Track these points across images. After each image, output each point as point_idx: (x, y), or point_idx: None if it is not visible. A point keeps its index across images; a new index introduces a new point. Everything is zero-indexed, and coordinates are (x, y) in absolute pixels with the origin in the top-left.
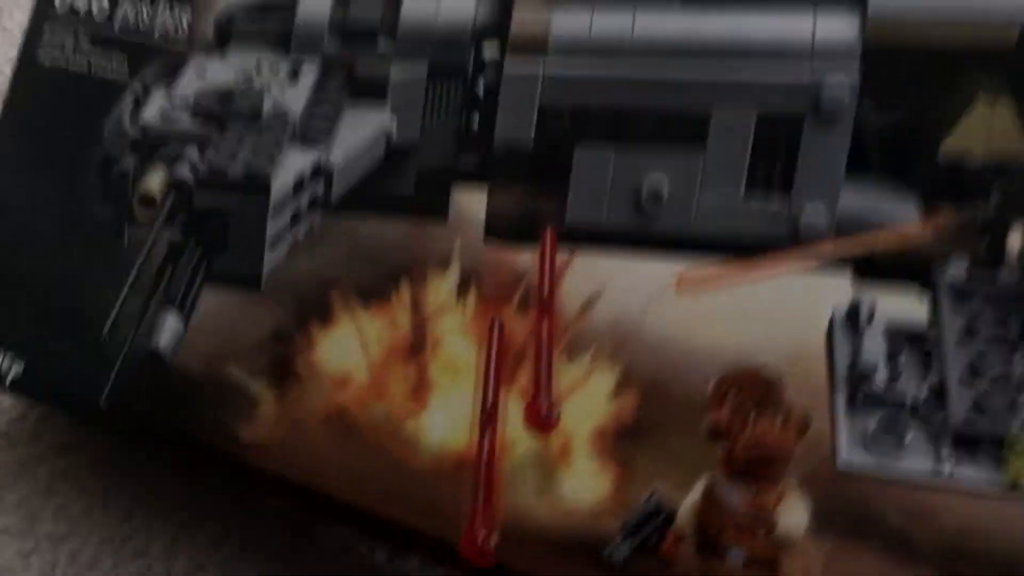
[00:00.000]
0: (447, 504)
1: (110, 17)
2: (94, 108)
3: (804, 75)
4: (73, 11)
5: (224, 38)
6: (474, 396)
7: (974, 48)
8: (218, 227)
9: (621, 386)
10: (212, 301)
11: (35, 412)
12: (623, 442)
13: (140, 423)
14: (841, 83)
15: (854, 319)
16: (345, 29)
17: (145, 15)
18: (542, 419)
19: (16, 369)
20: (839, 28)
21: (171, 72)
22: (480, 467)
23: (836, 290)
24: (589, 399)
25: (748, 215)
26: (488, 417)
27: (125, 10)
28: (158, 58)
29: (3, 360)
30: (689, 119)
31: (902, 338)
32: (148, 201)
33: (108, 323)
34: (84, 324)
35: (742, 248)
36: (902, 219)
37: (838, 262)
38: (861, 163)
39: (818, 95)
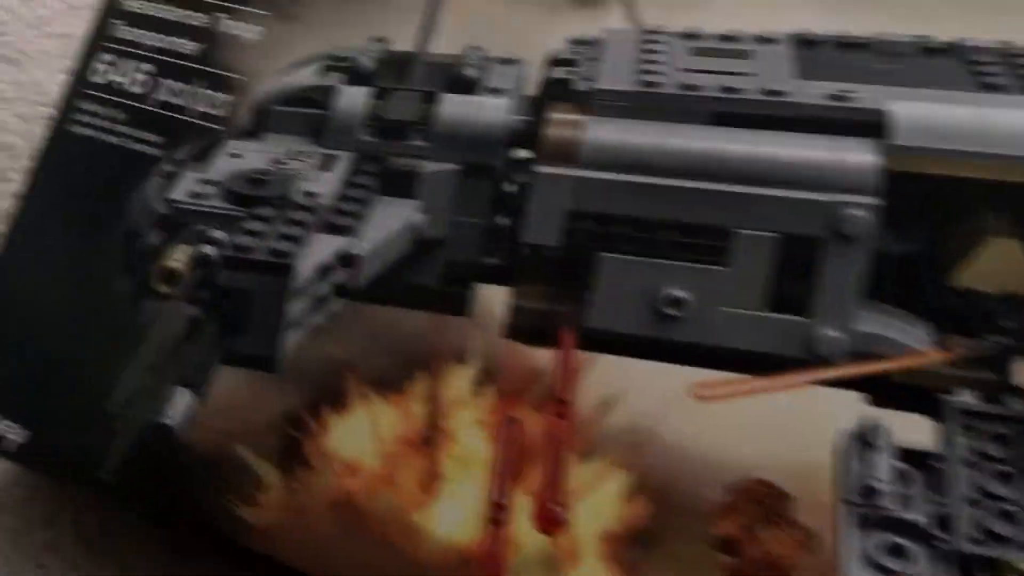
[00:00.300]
0: None
1: (148, 93)
2: (123, 179)
3: (826, 198)
4: (111, 85)
5: (260, 124)
6: (484, 491)
7: (991, 183)
8: (238, 307)
9: (633, 490)
10: (225, 379)
11: (27, 479)
12: (632, 547)
13: (141, 498)
14: (861, 208)
15: (864, 439)
16: (380, 124)
17: (183, 94)
18: (552, 519)
19: (20, 438)
20: (861, 155)
21: (204, 152)
22: (486, 564)
23: (847, 409)
24: (600, 501)
25: (766, 332)
26: (497, 513)
27: (164, 88)
28: (192, 137)
29: (7, 428)
30: (713, 233)
31: (911, 460)
32: (169, 277)
33: (118, 396)
34: (93, 395)
35: (759, 363)
36: (915, 345)
37: (851, 382)
38: (878, 288)
39: (839, 219)
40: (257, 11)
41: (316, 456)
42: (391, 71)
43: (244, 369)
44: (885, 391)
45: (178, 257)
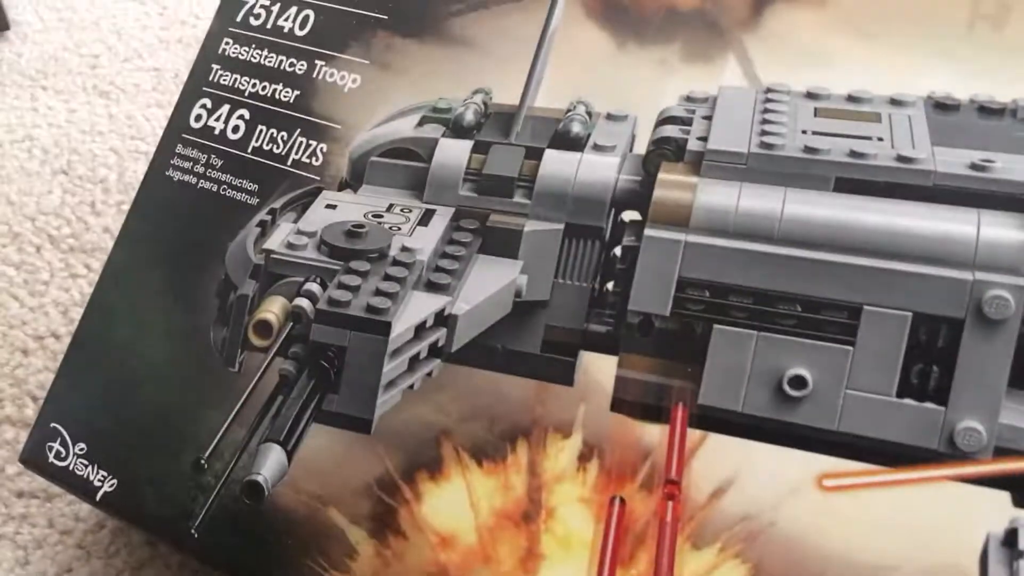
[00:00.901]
0: None
1: (245, 139)
2: (219, 227)
3: (966, 276)
4: (209, 130)
5: (357, 175)
6: (587, 574)
7: None
8: (333, 364)
9: None
10: (319, 439)
11: (111, 524)
12: None
13: (228, 556)
14: (1006, 289)
15: (1012, 543)
16: (481, 180)
17: (280, 142)
18: None
19: (108, 486)
20: (1007, 231)
21: (301, 202)
22: None
23: (995, 510)
24: None
25: (898, 420)
26: None
27: (261, 134)
28: (289, 186)
29: (96, 475)
30: (838, 310)
31: None
32: (264, 329)
33: (209, 450)
34: (184, 448)
35: (889, 453)
36: None
37: (996, 480)
38: None
39: (980, 300)
40: (355, 59)
41: (410, 525)
42: (494, 125)
43: (338, 429)
44: None
45: (273, 309)
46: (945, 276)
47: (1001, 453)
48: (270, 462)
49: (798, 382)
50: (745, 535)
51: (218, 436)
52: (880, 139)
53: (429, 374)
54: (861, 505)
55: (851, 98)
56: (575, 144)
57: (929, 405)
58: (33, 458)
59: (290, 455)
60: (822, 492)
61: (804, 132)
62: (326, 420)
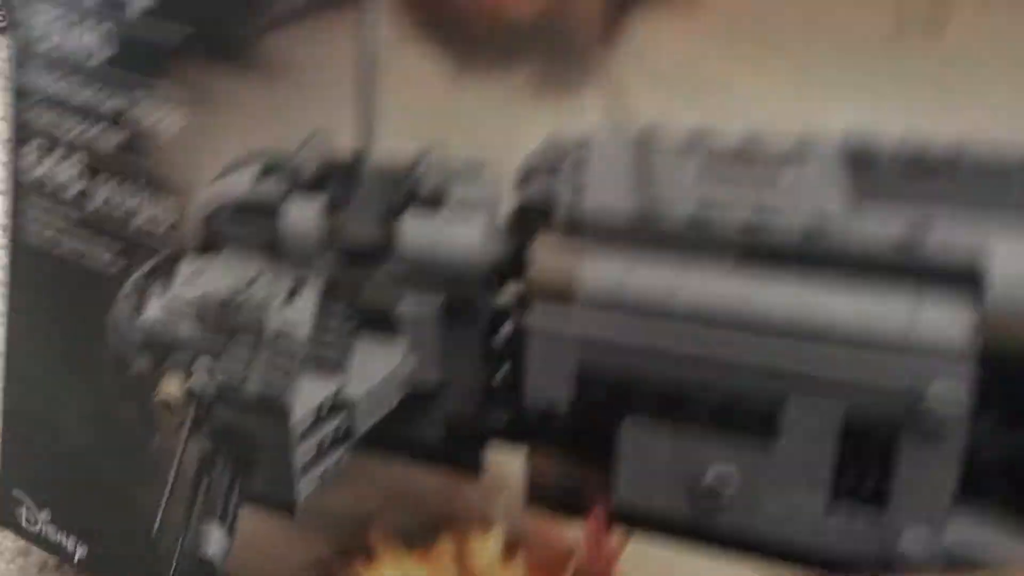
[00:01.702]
0: None
1: (84, 197)
2: (90, 302)
3: (901, 376)
4: (45, 187)
5: (212, 238)
6: None
7: None
8: (244, 444)
9: None
10: (254, 519)
11: None
12: None
13: None
14: (948, 391)
15: None
16: (340, 246)
17: (124, 202)
18: None
19: (81, 551)
20: (947, 318)
21: (164, 269)
22: None
23: None
24: None
25: (830, 528)
26: None
27: (102, 193)
28: (146, 253)
29: (68, 540)
30: (756, 405)
31: None
32: (168, 407)
33: (156, 526)
34: (137, 519)
35: (822, 563)
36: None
37: None
38: (976, 486)
39: (918, 404)
40: (171, 93)
41: None
42: (339, 179)
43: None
44: None
45: (171, 389)
46: (875, 373)
47: (952, 563)
48: (213, 540)
49: (716, 485)
50: None
51: (159, 514)
52: (784, 203)
53: (340, 462)
54: None
55: (749, 141)
56: (432, 203)
57: (865, 515)
58: (7, 520)
59: (230, 531)
60: None
61: (695, 187)
62: (253, 500)
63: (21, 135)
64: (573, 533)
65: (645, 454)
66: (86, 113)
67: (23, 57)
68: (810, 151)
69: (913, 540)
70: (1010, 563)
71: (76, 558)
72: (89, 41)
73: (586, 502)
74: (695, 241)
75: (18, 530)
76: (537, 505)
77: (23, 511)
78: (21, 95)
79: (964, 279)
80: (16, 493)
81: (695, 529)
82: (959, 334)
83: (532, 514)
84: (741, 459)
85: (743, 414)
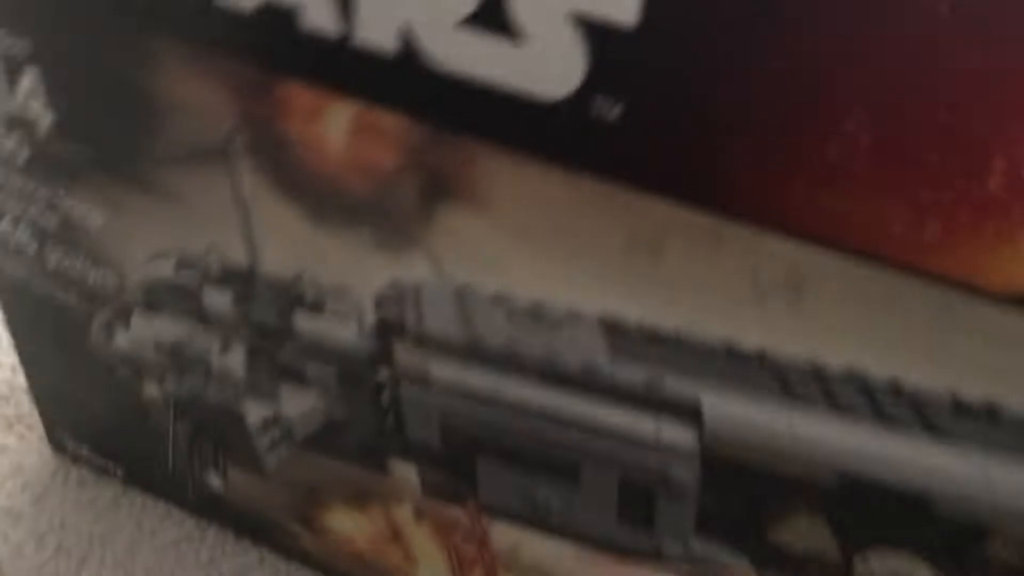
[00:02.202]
0: None
1: (40, 257)
2: (71, 326)
3: (653, 461)
4: (7, 240)
5: (152, 304)
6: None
7: (799, 476)
8: (218, 432)
9: None
10: (244, 471)
11: None
12: None
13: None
14: (684, 475)
15: None
16: (252, 326)
17: (72, 267)
18: None
19: (121, 472)
20: (681, 433)
21: (121, 316)
22: None
23: None
24: None
25: (621, 533)
26: None
27: (52, 258)
28: (104, 301)
29: (108, 464)
30: (563, 462)
31: None
32: (153, 403)
33: (169, 465)
34: (158, 456)
35: (619, 549)
36: (739, 570)
37: None
38: (706, 527)
39: (666, 477)
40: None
41: (320, 529)
42: (238, 280)
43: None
44: None
45: (152, 391)
46: (637, 459)
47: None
48: (213, 480)
49: (545, 501)
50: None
51: (169, 457)
52: (567, 346)
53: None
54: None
55: (534, 309)
56: (315, 308)
57: (640, 531)
58: (59, 449)
59: (224, 475)
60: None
61: (501, 332)
62: (236, 463)
63: None
64: (459, 511)
65: (495, 480)
66: (21, 196)
67: None
68: (580, 314)
69: (670, 547)
70: (730, 571)
71: (118, 475)
72: (11, 146)
73: (463, 498)
74: (507, 362)
75: (67, 453)
76: (429, 496)
77: (68, 443)
78: None
79: (689, 412)
80: (58, 432)
81: (535, 523)
82: (688, 442)
83: (429, 499)
84: (558, 492)
85: (555, 468)
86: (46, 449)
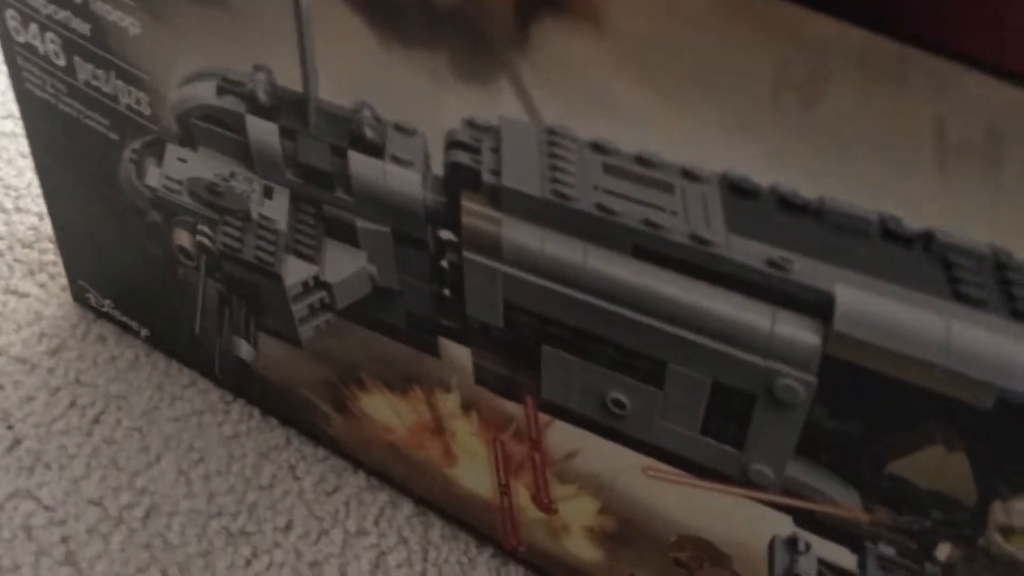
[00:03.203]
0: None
1: (71, 71)
2: (100, 156)
3: (761, 363)
4: (36, 51)
5: (186, 135)
6: (490, 472)
7: (942, 394)
8: (252, 294)
9: (602, 511)
10: (275, 341)
11: None
12: (608, 539)
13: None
14: (796, 379)
15: (793, 544)
16: (301, 169)
17: (105, 81)
18: (543, 505)
19: (145, 332)
20: (800, 328)
21: (154, 148)
22: (504, 516)
23: (779, 524)
24: (578, 509)
25: (703, 448)
26: (504, 490)
27: (84, 69)
28: (137, 129)
29: (132, 323)
30: (645, 359)
31: (833, 572)
32: (184, 254)
33: (196, 328)
34: (183, 318)
35: (699, 467)
36: (844, 503)
37: (782, 508)
38: (811, 451)
39: (772, 384)
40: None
41: (359, 412)
42: (290, 110)
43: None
44: (813, 521)
45: (183, 241)
46: (741, 358)
47: (787, 492)
48: (242, 349)
49: (617, 404)
50: (594, 484)
51: (197, 321)
52: (674, 212)
53: (328, 322)
54: (682, 490)
55: (640, 160)
56: (373, 150)
57: (727, 447)
58: (79, 297)
59: (254, 345)
60: (646, 477)
61: (596, 188)
62: (268, 331)
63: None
64: (512, 407)
65: (560, 373)
66: None
67: None
68: (693, 178)
69: (758, 473)
70: (833, 504)
71: (142, 336)
72: None
73: (520, 392)
74: (596, 232)
75: (89, 307)
76: (482, 386)
77: (90, 296)
78: None
79: (815, 308)
80: (81, 282)
81: (601, 428)
82: (809, 341)
83: (479, 390)
84: (634, 394)
85: (634, 366)
86: (68, 300)
